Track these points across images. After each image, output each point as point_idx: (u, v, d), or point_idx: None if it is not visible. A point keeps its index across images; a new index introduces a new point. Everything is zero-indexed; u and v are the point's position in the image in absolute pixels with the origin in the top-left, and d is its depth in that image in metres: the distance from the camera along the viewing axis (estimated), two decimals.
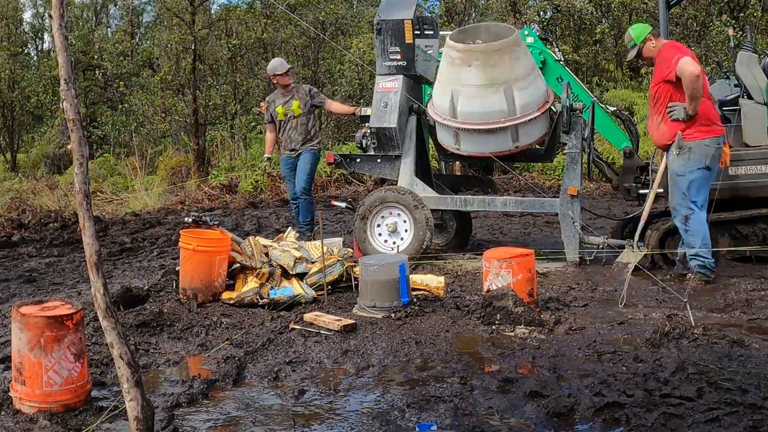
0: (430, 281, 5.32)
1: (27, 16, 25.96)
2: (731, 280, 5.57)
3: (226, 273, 5.26)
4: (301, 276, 5.39)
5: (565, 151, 6.54)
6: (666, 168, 6.15)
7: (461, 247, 7.41)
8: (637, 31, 5.76)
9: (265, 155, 8.32)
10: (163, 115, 17.98)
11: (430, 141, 7.34)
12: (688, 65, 5.34)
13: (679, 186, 5.56)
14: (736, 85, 6.61)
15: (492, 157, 6.68)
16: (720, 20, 16.09)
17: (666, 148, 5.70)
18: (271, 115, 8.14)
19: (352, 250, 6.41)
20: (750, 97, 6.31)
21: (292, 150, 8.04)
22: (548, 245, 7.15)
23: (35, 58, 26.50)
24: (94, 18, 26.22)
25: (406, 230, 6.54)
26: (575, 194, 6.35)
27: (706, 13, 17.05)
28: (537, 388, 3.34)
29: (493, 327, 4.42)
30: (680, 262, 5.83)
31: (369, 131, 6.78)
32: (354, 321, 4.54)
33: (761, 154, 6.06)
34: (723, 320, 4.52)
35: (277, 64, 8.14)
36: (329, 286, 5.29)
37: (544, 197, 7.27)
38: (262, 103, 16.80)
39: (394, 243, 6.56)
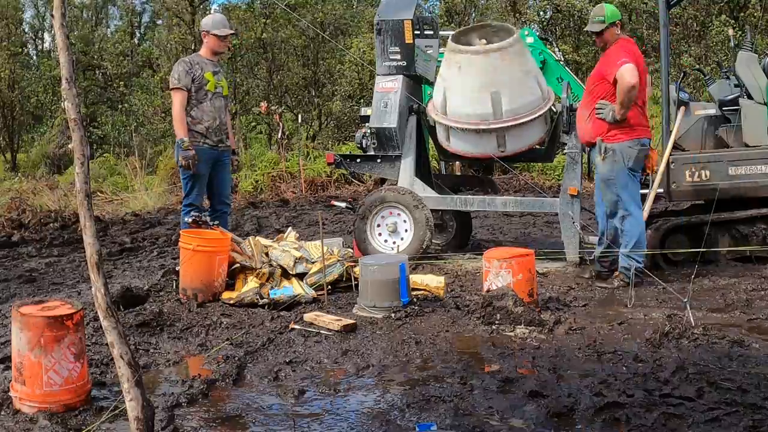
0: (430, 281, 5.32)
1: (27, 16, 25.96)
2: (731, 280, 5.57)
3: (226, 273, 5.26)
4: (301, 276, 5.39)
5: (565, 151, 6.54)
6: (666, 167, 6.18)
7: (461, 247, 7.41)
8: (611, 10, 5.62)
9: (181, 137, 5.82)
10: (163, 115, 17.99)
11: (430, 141, 7.35)
12: (627, 73, 5.26)
13: (612, 189, 5.54)
14: (736, 85, 6.61)
15: (493, 157, 6.68)
16: (720, 20, 16.11)
17: (589, 146, 5.74)
18: (193, 79, 5.88)
19: (352, 250, 6.41)
20: (750, 97, 6.32)
21: (218, 141, 6.06)
22: (548, 245, 7.15)
23: (35, 58, 26.52)
24: (94, 18, 26.24)
25: (406, 230, 6.54)
26: (575, 194, 6.35)
27: (706, 13, 17.06)
28: (537, 388, 3.34)
29: (493, 327, 4.42)
30: (598, 261, 5.84)
31: (369, 131, 6.78)
32: (354, 321, 4.54)
33: (761, 154, 6.06)
34: (723, 320, 4.52)
35: (224, 21, 6.22)
36: (329, 286, 5.29)
37: (544, 197, 7.26)
38: (262, 103, 16.64)
39: (394, 243, 6.56)
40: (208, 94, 5.95)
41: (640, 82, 5.37)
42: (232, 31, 6.29)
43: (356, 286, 5.21)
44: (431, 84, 7.25)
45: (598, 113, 5.49)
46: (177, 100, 5.88)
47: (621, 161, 5.46)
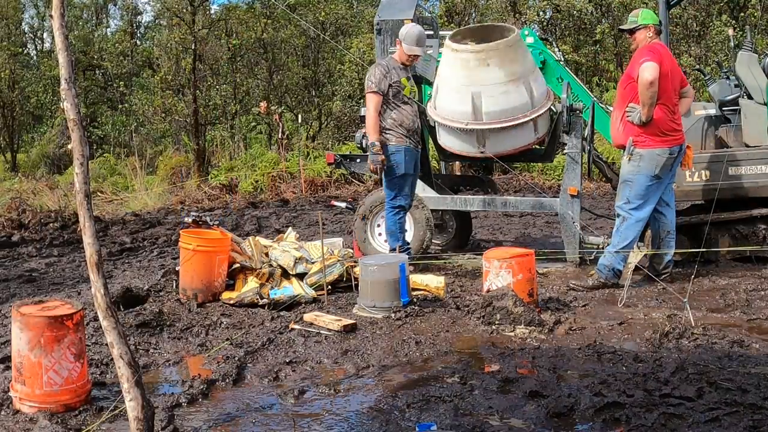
0: (430, 281, 5.32)
1: (27, 16, 25.96)
2: (731, 280, 5.57)
3: (226, 273, 5.26)
4: (301, 276, 5.39)
5: (565, 151, 6.53)
6: None
7: (461, 247, 7.41)
8: (647, 14, 5.61)
9: (373, 140, 5.92)
10: (163, 115, 18.00)
11: (430, 141, 7.34)
12: (645, 70, 5.20)
13: (625, 190, 5.52)
14: (736, 85, 6.61)
15: (492, 157, 6.68)
16: (720, 20, 16.10)
17: (621, 149, 5.66)
18: (389, 85, 5.94)
19: (352, 250, 6.40)
20: (750, 97, 6.31)
21: (418, 142, 6.17)
22: (548, 245, 7.15)
23: (35, 58, 26.52)
24: (94, 17, 26.23)
25: (406, 230, 6.53)
26: (575, 194, 6.35)
27: (706, 13, 17.05)
28: (537, 388, 3.34)
29: (493, 327, 4.42)
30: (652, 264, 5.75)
31: None
32: (354, 321, 4.54)
33: (761, 154, 6.06)
34: (723, 320, 4.52)
35: (420, 37, 6.01)
36: (329, 286, 5.29)
37: (544, 197, 7.26)
38: (262, 103, 16.61)
39: None
40: (403, 98, 6.02)
41: (666, 85, 5.31)
42: (419, 53, 6.12)
43: (356, 286, 5.21)
44: (431, 84, 7.24)
45: (627, 116, 5.44)
46: (372, 103, 5.95)
47: (646, 168, 5.41)
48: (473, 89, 6.23)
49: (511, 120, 6.30)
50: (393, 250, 5.88)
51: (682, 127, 5.55)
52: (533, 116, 6.32)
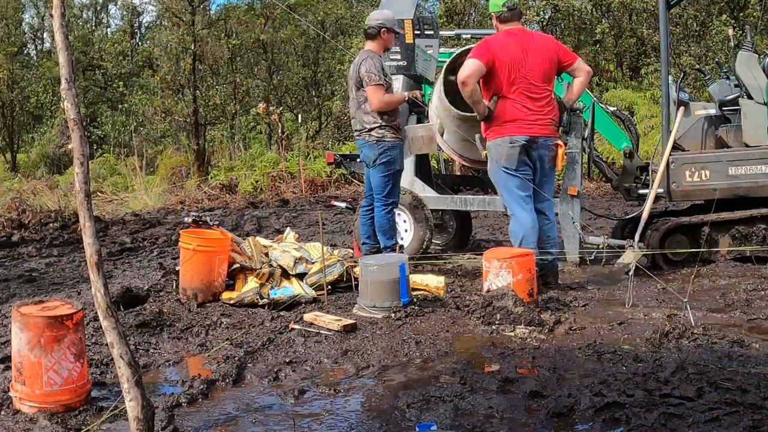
0: (430, 281, 5.32)
1: (27, 16, 25.96)
2: (731, 280, 5.57)
3: (226, 273, 5.26)
4: (301, 276, 5.39)
5: (565, 151, 6.53)
6: (666, 167, 6.18)
7: (461, 247, 7.41)
8: (492, 2, 5.43)
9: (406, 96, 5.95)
10: (163, 115, 18.02)
11: None
12: (461, 69, 5.12)
13: (497, 188, 5.51)
14: (736, 85, 6.61)
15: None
16: (720, 20, 16.10)
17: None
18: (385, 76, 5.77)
19: (352, 250, 6.41)
20: (750, 97, 6.32)
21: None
22: None
23: (35, 58, 26.53)
24: (94, 18, 26.24)
25: (406, 230, 6.54)
26: (575, 194, 6.35)
27: (706, 13, 17.05)
28: (537, 388, 3.34)
29: (493, 327, 4.42)
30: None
31: None
32: (354, 321, 4.54)
33: (761, 154, 6.06)
34: (723, 320, 4.52)
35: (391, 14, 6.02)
36: (329, 286, 5.29)
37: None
38: (260, 105, 16.66)
39: None
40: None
41: (502, 77, 5.17)
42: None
43: (356, 286, 5.21)
44: (431, 84, 7.24)
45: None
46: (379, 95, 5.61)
47: (493, 159, 5.35)
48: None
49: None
50: (387, 249, 5.71)
51: (537, 117, 5.29)
52: None
